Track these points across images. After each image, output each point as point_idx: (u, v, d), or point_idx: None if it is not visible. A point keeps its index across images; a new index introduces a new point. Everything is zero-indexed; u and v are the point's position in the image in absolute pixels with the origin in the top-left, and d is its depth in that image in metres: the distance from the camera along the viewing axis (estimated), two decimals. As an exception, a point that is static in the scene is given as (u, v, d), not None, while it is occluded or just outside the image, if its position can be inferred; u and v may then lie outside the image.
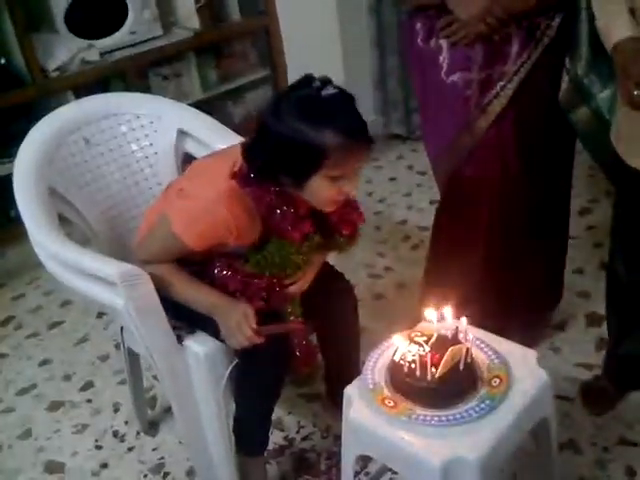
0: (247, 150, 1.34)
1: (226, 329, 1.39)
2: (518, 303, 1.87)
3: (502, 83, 1.61)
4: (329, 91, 1.26)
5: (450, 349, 1.20)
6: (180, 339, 1.50)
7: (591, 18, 1.53)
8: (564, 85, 1.65)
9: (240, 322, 1.36)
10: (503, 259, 1.81)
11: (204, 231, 1.36)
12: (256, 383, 1.46)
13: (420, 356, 1.22)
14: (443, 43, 1.61)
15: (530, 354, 1.33)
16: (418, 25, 1.65)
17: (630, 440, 1.69)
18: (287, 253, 1.42)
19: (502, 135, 1.67)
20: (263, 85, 3.37)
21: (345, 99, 1.29)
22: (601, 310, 2.09)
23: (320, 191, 1.32)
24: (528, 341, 1.90)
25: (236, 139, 1.74)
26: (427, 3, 1.61)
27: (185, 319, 1.50)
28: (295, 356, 1.49)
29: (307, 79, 1.30)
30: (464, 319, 1.26)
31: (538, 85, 1.63)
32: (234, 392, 1.52)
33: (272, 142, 1.28)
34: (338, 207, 1.40)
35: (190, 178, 1.47)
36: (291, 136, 1.25)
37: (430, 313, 1.30)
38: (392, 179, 3.17)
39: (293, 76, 4.20)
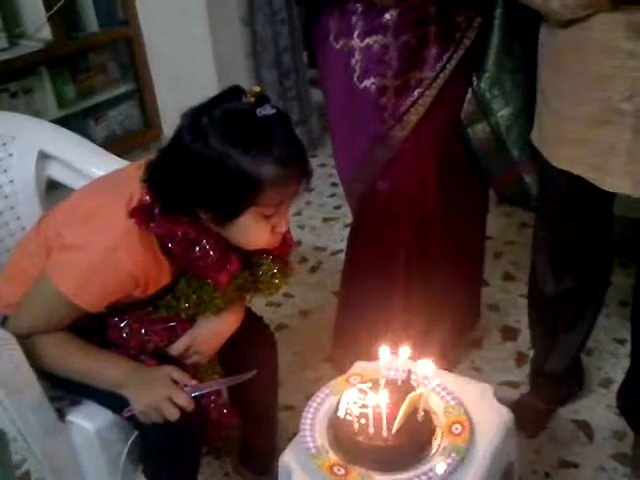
0: (152, 175, 1.07)
1: (146, 404, 1.10)
2: (440, 325, 1.74)
3: (420, 90, 1.46)
4: (266, 111, 1.01)
5: (409, 397, 1.02)
6: (62, 413, 1.20)
7: (503, 27, 1.43)
8: (467, 97, 1.52)
9: (170, 392, 1.10)
10: (423, 280, 1.66)
11: (104, 288, 1.08)
12: (169, 457, 1.17)
13: (372, 408, 1.02)
14: (355, 43, 1.43)
15: (487, 389, 1.18)
16: (330, 22, 1.47)
17: (570, 462, 1.60)
18: (207, 295, 1.15)
19: (419, 148, 1.51)
20: (128, 100, 3.14)
21: (283, 121, 1.05)
22: (512, 323, 2.06)
23: (249, 231, 1.08)
24: (450, 363, 1.80)
25: (114, 161, 1.46)
26: None
27: (65, 387, 1.20)
28: (210, 420, 1.21)
29: (236, 90, 1.04)
30: (421, 361, 1.07)
31: (457, 95, 1.49)
32: (143, 471, 1.23)
33: (190, 168, 1.02)
34: None
35: (71, 222, 1.13)
36: (218, 163, 1.00)
37: (384, 352, 1.10)
38: (278, 197, 2.98)
39: (162, 89, 3.85)
